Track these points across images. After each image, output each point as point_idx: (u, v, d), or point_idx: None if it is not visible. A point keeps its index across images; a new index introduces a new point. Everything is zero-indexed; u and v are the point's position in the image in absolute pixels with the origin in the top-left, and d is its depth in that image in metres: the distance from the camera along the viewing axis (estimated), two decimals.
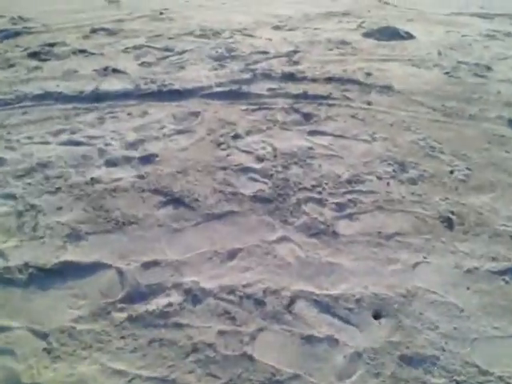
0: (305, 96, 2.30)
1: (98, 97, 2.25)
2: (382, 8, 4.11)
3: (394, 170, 1.79)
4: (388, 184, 1.71)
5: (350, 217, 1.54)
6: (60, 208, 1.48)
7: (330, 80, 2.49)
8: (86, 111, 2.11)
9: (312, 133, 1.98)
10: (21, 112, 2.10)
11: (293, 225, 1.47)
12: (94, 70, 2.55)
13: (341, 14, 3.87)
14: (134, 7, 3.76)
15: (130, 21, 3.45)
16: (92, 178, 1.61)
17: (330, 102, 2.25)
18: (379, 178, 1.73)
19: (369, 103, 2.28)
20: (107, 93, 2.27)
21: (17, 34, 3.03)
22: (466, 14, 4.12)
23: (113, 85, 2.36)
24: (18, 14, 3.44)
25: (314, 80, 2.50)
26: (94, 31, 3.20)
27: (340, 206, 1.57)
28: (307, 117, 2.10)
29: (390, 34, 3.34)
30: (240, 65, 2.69)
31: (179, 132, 1.94)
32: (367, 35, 3.33)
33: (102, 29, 3.24)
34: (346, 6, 4.11)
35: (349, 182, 1.69)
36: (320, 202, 1.57)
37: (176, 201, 1.52)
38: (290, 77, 2.53)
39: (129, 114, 2.10)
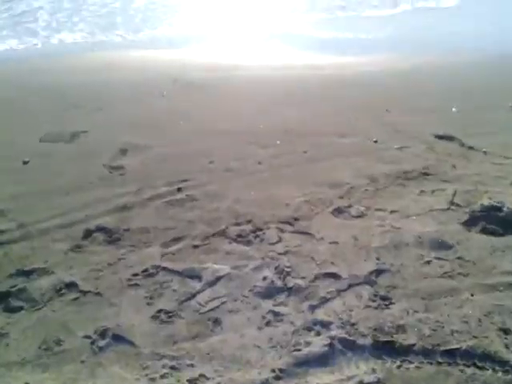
0: None
1: None
2: (468, 159, 3.69)
3: None
4: None
5: None
6: None
7: (452, 357, 1.88)
8: None
9: None
10: None
11: None
12: (86, 337, 2.02)
13: (417, 174, 3.45)
14: (143, 178, 3.42)
15: (139, 208, 3.05)
16: None
17: None
18: None
19: None
20: None
21: None
22: None
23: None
24: None
25: (426, 355, 1.89)
26: (88, 235, 2.78)
27: None
28: None
29: (500, 220, 2.83)
30: (303, 310, 2.14)
31: None
32: (469, 224, 2.83)
33: (100, 229, 2.83)
34: (418, 157, 3.71)
35: None
36: None
37: None
38: (386, 348, 1.93)
39: None
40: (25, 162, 3.66)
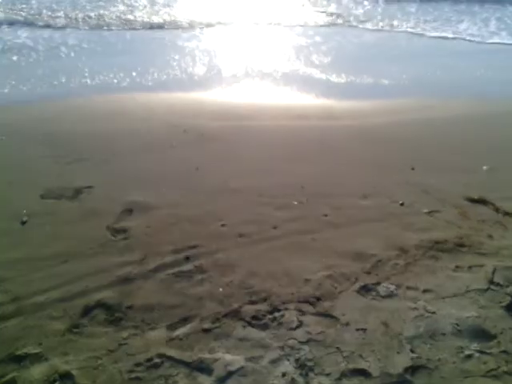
0: None
1: None
2: (505, 227, 3.58)
3: None
4: None
5: None
6: None
7: None
8: None
9: None
10: None
11: None
12: None
13: (451, 245, 3.34)
14: (148, 243, 3.33)
15: (143, 280, 2.94)
16: None
17: None
18: None
19: None
20: None
21: None
22: None
23: None
24: None
25: None
26: (87, 312, 2.68)
27: None
28: None
29: None
30: None
31: None
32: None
33: (100, 305, 2.71)
34: (450, 225, 3.60)
35: None
36: None
37: None
38: None
39: None
40: (23, 222, 3.60)
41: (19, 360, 2.35)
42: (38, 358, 2.36)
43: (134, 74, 7.92)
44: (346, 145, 5.24)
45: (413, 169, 4.63)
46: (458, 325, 2.54)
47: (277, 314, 2.66)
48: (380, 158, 4.90)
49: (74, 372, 2.27)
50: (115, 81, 7.63)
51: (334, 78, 8.13)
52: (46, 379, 2.23)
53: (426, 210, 3.84)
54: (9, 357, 2.36)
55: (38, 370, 2.28)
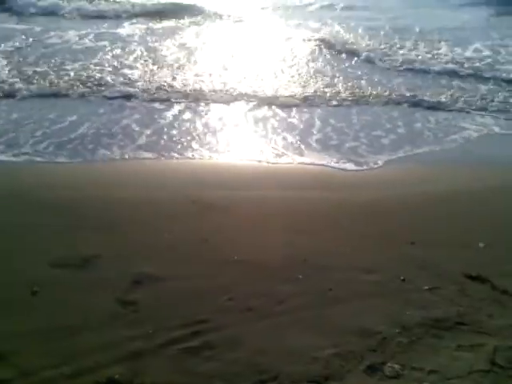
0: None
1: None
2: (503, 306, 3.70)
3: None
4: None
5: None
6: None
7: None
8: None
9: None
10: None
11: None
12: None
13: (452, 323, 3.44)
14: (157, 316, 3.39)
15: (152, 356, 2.98)
16: None
17: None
18: None
19: None
20: None
21: None
22: None
23: None
24: None
25: None
26: None
27: None
28: None
29: None
30: None
31: None
32: None
33: (111, 382, 2.71)
34: (450, 302, 3.69)
35: None
36: None
37: None
38: None
39: None
40: (33, 293, 3.64)
41: None
42: None
43: (138, 140, 8.01)
44: (346, 218, 5.40)
45: (412, 243, 4.76)
46: None
47: None
48: (380, 232, 5.04)
49: None
50: (121, 145, 7.72)
51: (324, 146, 8.13)
52: None
53: (426, 287, 3.94)
54: None
55: None
